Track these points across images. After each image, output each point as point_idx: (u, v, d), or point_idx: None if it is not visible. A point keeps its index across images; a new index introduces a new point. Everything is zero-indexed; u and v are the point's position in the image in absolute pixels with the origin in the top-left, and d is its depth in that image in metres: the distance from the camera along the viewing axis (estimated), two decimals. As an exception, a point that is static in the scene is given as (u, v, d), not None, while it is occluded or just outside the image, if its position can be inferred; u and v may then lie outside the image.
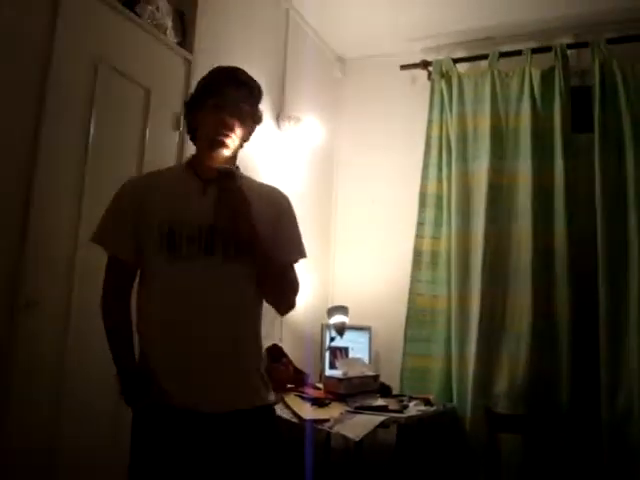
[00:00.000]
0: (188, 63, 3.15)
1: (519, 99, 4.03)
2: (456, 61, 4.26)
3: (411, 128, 4.36)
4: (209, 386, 1.87)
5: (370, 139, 4.55)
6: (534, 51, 4.05)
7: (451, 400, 3.88)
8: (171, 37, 3.09)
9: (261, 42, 3.78)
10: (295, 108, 3.99)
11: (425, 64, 4.33)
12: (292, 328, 3.93)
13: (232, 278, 1.95)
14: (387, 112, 4.51)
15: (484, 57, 4.18)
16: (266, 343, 3.38)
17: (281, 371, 3.26)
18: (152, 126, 2.92)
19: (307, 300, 4.08)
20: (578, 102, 3.95)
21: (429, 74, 4.33)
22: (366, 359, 4.00)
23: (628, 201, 3.68)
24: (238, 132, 2.01)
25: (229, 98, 2.00)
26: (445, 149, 4.15)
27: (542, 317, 3.74)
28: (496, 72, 4.11)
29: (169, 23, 3.07)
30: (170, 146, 3.04)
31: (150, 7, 2.95)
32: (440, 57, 4.31)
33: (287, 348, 3.70)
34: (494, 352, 3.84)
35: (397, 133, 4.45)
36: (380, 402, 3.31)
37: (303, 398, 3.23)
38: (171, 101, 3.04)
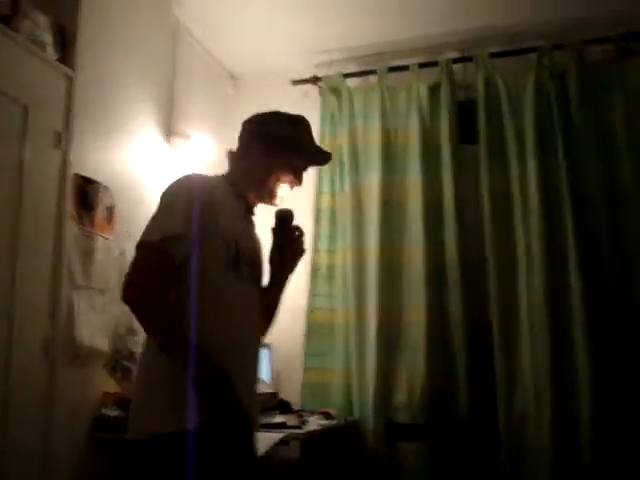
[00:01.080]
0: (69, 79, 3.03)
1: (407, 113, 4.10)
2: (346, 76, 4.30)
3: (305, 142, 4.35)
4: (254, 405, 1.96)
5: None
6: (421, 66, 4.14)
7: (352, 413, 3.88)
8: (51, 53, 2.97)
9: (148, 58, 3.69)
10: (185, 124, 3.92)
11: (316, 79, 4.35)
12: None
13: (259, 308, 2.06)
14: (281, 127, 4.48)
15: (373, 72, 4.24)
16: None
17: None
18: (31, 144, 2.78)
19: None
20: (464, 115, 4.06)
21: (320, 89, 4.36)
22: (267, 376, 3.96)
23: (514, 212, 3.80)
24: None
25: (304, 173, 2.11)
26: (338, 163, 4.17)
27: (437, 329, 3.81)
28: (385, 87, 4.17)
29: (49, 38, 2.95)
30: (51, 164, 2.91)
31: (28, 22, 2.83)
32: (331, 72, 4.33)
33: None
34: (392, 364, 3.87)
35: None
36: (279, 419, 3.27)
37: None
38: (51, 118, 2.91)
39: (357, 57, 4.36)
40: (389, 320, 3.89)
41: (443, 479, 3.64)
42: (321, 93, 4.36)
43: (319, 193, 4.21)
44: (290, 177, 2.06)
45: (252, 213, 2.10)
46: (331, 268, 4.12)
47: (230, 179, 2.07)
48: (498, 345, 3.70)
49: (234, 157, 2.13)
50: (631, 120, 3.77)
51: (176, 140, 3.77)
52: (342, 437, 3.71)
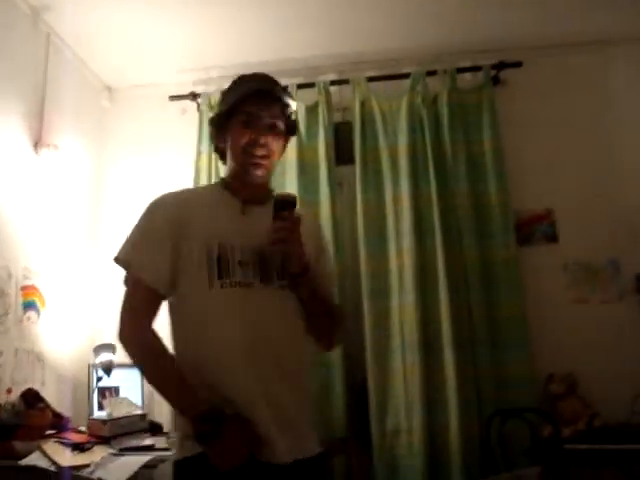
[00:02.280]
0: None
1: (286, 132, 4.12)
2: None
3: (181, 159, 4.30)
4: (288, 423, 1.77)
5: (140, 170, 4.41)
6: (300, 86, 4.18)
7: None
8: None
9: (17, 66, 3.54)
10: (54, 135, 3.77)
11: (194, 95, 4.31)
12: (55, 370, 3.68)
13: (290, 309, 1.82)
14: (158, 142, 4.41)
15: (254, 91, 4.23)
16: (23, 388, 3.19)
17: (37, 417, 3.02)
18: None
19: (71, 339, 3.87)
20: (342, 136, 4.14)
21: (198, 106, 4.32)
22: (138, 398, 3.84)
23: (388, 231, 3.90)
24: (273, 150, 1.87)
25: (260, 114, 1.85)
26: (214, 180, 4.13)
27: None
28: (266, 105, 4.17)
29: None
30: None
31: None
32: (209, 89, 4.30)
33: (51, 391, 3.50)
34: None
35: (168, 164, 4.36)
36: (148, 441, 3.18)
37: (63, 444, 3.01)
38: None
39: (233, 75, 4.31)
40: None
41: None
42: (199, 110, 4.31)
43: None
44: (246, 135, 1.84)
45: (260, 202, 1.86)
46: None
47: (224, 183, 1.94)
48: (371, 361, 3.75)
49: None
50: (498, 142, 3.99)
51: (43, 151, 3.62)
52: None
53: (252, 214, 1.85)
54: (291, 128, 1.96)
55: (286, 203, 1.77)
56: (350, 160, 4.07)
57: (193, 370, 1.71)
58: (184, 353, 1.77)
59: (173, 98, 4.35)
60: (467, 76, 4.20)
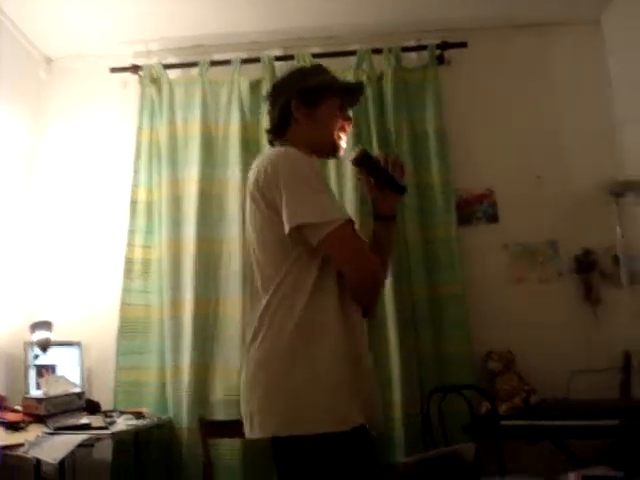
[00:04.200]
0: None
1: (228, 108, 4.08)
2: (167, 67, 4.20)
3: (122, 133, 4.23)
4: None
5: (79, 143, 4.31)
6: (244, 61, 4.13)
7: (167, 412, 3.79)
8: None
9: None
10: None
11: (136, 68, 4.21)
12: (-11, 348, 3.59)
13: None
14: (97, 115, 4.31)
15: (195, 65, 4.17)
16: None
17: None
18: None
19: (7, 316, 3.78)
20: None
21: (140, 79, 4.22)
22: (76, 376, 3.78)
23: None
24: None
25: (351, 108, 2.05)
26: (155, 156, 4.07)
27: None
28: (206, 80, 4.12)
29: None
30: None
31: None
32: (151, 62, 4.22)
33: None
34: (208, 360, 3.82)
35: (108, 137, 4.27)
36: (84, 420, 3.13)
37: (-2, 423, 2.95)
38: None
39: (179, 48, 4.29)
40: (205, 316, 3.85)
41: (258, 475, 3.64)
42: (141, 83, 4.22)
43: (135, 186, 4.06)
44: (340, 120, 1.98)
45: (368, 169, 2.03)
46: (147, 263, 3.99)
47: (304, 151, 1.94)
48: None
49: (279, 135, 2.01)
50: (441, 121, 4.03)
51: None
52: (156, 436, 3.65)
53: None
54: None
55: (365, 155, 1.95)
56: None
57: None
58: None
59: (114, 70, 4.24)
60: (412, 55, 4.21)
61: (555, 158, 4.17)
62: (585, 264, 4.01)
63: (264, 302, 1.77)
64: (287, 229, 1.72)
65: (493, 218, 4.12)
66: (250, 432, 1.75)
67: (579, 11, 4.23)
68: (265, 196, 1.79)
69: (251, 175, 1.88)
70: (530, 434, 3.36)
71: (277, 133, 2.01)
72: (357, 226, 1.91)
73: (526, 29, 4.28)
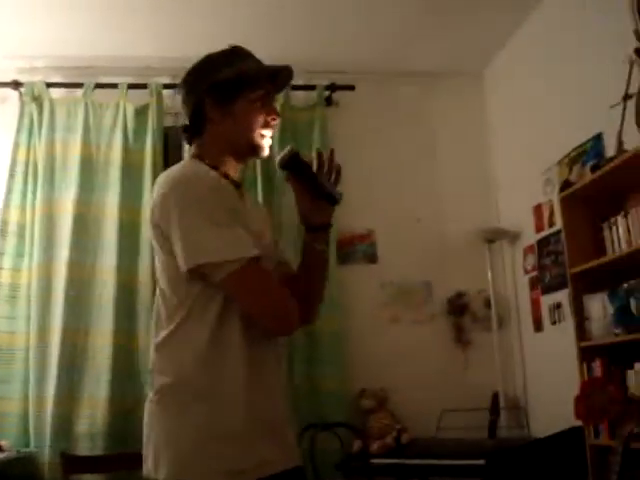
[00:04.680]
0: None
1: (112, 132, 4.00)
2: (51, 86, 4.07)
3: (-1, 150, 4.04)
4: None
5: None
6: (130, 86, 4.07)
7: (29, 445, 3.59)
8: None
9: None
10: None
11: (17, 84, 4.05)
12: None
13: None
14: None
15: (80, 85, 4.06)
16: None
17: None
18: None
19: None
20: (171, 141, 4.06)
21: (20, 95, 4.06)
22: None
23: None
24: None
25: (275, 96, 1.76)
26: (31, 176, 3.91)
27: (123, 352, 3.71)
28: (90, 102, 4.02)
29: None
30: None
31: None
32: (33, 79, 4.07)
33: None
34: (75, 391, 3.67)
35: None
36: None
37: None
38: None
39: (65, 68, 4.16)
40: (74, 344, 3.70)
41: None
42: (20, 100, 4.06)
43: (6, 206, 3.88)
44: (262, 115, 1.69)
45: (239, 186, 1.72)
46: (15, 288, 3.79)
47: (207, 161, 1.66)
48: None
49: (192, 133, 1.73)
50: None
51: None
52: (15, 471, 3.42)
53: (244, 198, 1.72)
54: None
55: (294, 156, 1.69)
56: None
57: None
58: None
59: (-7, 84, 4.07)
60: (301, 94, 4.26)
61: (434, 203, 4.31)
62: (457, 306, 4.15)
63: (164, 334, 1.59)
64: (183, 270, 1.52)
65: (372, 258, 4.19)
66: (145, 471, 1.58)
67: (463, 64, 4.44)
68: (161, 228, 1.57)
69: (152, 202, 1.65)
70: (400, 472, 3.40)
71: (193, 133, 1.73)
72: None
73: (412, 77, 4.44)
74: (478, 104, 4.55)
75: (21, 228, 3.86)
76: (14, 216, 3.87)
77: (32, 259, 3.79)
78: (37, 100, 4.02)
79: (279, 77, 1.76)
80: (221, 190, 1.58)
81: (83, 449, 3.58)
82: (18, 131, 3.98)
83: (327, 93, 4.28)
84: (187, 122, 1.74)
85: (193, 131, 1.72)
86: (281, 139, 4.03)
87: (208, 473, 1.48)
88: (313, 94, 4.27)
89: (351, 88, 4.27)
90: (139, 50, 4.09)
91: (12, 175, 3.91)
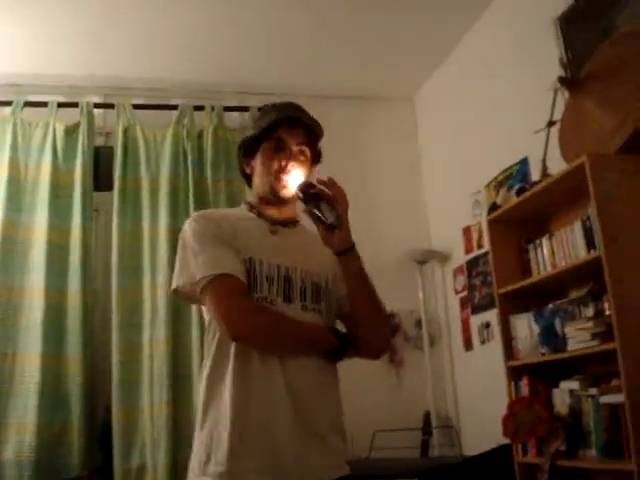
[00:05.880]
0: None
1: (41, 151, 3.91)
2: (-22, 103, 3.97)
3: None
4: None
5: None
6: (60, 105, 4.00)
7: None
8: None
9: None
10: None
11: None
12: None
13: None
14: None
15: (8, 104, 3.96)
16: None
17: None
18: None
19: None
20: (102, 161, 4.00)
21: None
22: None
23: (143, 262, 3.83)
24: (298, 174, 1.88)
25: (289, 141, 1.87)
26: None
27: (52, 377, 3.60)
28: (19, 121, 3.93)
29: None
30: None
31: None
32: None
33: None
34: (1, 416, 3.53)
35: None
36: None
37: None
38: None
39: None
40: (1, 369, 3.57)
41: None
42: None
43: None
44: (276, 161, 1.87)
45: (286, 225, 1.91)
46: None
47: (248, 204, 1.96)
48: (117, 396, 3.64)
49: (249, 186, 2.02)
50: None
51: None
52: None
53: (281, 234, 1.89)
54: (317, 156, 2.00)
55: (306, 186, 1.82)
56: (109, 187, 3.93)
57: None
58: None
59: None
60: (234, 115, 4.26)
61: (367, 225, 4.27)
62: (390, 327, 4.18)
63: None
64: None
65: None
66: None
67: (394, 89, 4.54)
68: None
69: None
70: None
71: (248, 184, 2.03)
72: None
73: (346, 100, 4.49)
74: (410, 128, 4.65)
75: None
76: None
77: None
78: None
79: (285, 120, 1.90)
80: (227, 222, 1.82)
81: (9, 478, 3.45)
82: None
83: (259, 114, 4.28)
84: None
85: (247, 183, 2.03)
86: (214, 160, 4.03)
87: None
88: (246, 115, 4.27)
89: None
90: (70, 68, 4.04)
91: None
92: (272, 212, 1.91)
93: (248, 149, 1.95)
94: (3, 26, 3.63)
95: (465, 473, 3.27)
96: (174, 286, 1.80)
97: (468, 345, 3.94)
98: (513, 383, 3.00)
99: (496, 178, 3.61)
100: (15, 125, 3.91)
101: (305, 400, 1.73)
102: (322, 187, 1.80)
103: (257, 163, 1.92)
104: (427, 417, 4.06)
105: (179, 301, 1.78)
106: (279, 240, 1.88)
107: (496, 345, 3.36)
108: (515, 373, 3.01)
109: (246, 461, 1.64)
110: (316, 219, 1.79)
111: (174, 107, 4.12)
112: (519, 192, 3.02)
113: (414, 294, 4.22)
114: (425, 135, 4.60)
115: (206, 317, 1.83)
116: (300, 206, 1.84)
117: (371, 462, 3.69)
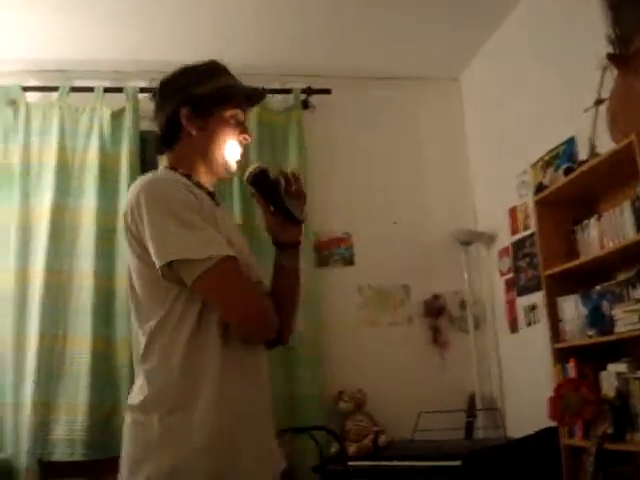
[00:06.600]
0: None
1: (88, 136, 3.97)
2: (27, 89, 4.03)
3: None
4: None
5: None
6: (106, 90, 4.05)
7: (4, 451, 3.54)
8: None
9: None
10: None
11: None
12: None
13: None
14: None
15: (55, 89, 4.03)
16: None
17: None
18: None
19: None
20: (148, 145, 4.04)
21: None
22: None
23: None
24: None
25: (246, 116, 1.79)
26: (6, 181, 3.86)
27: (102, 358, 3.68)
28: (66, 106, 3.99)
29: None
30: None
31: None
32: (9, 83, 4.03)
33: None
34: (52, 397, 3.62)
35: None
36: None
37: None
38: None
39: (36, 71, 4.11)
40: (51, 350, 3.66)
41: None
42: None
43: (-20, 209, 3.84)
44: (235, 134, 1.73)
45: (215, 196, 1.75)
46: (-10, 294, 3.76)
47: (181, 170, 1.69)
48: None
49: (168, 145, 1.75)
50: (304, 164, 4.12)
51: None
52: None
53: (222, 209, 1.76)
54: None
55: (263, 173, 1.70)
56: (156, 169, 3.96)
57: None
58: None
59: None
60: (277, 98, 4.27)
61: (411, 206, 4.34)
62: (434, 309, 4.18)
63: (142, 345, 1.58)
64: (158, 267, 1.51)
65: (349, 261, 4.21)
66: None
67: (439, 70, 4.49)
68: (133, 232, 1.58)
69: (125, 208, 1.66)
70: (377, 475, 3.41)
71: (165, 143, 1.76)
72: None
73: (388, 81, 4.46)
74: (455, 109, 4.59)
75: (-4, 232, 3.83)
76: (-10, 220, 3.83)
77: (7, 264, 3.75)
78: (12, 104, 3.97)
79: (253, 98, 1.84)
80: (192, 194, 1.59)
81: (61, 455, 3.55)
82: (-7, 135, 3.94)
83: (303, 97, 4.29)
84: (159, 131, 1.76)
85: (166, 141, 1.75)
86: (259, 142, 4.04)
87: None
88: (289, 97, 4.28)
89: (327, 92, 4.29)
90: (115, 54, 4.07)
91: (-9, 182, 3.87)
92: (208, 184, 1.75)
93: (203, 106, 1.70)
94: (49, 13, 3.66)
95: (510, 455, 3.26)
96: (172, 258, 1.50)
97: (514, 327, 3.91)
98: (560, 365, 2.97)
99: (543, 158, 3.56)
100: (62, 110, 3.97)
101: (269, 391, 1.72)
102: (282, 179, 1.69)
103: (211, 125, 1.71)
104: (472, 399, 4.04)
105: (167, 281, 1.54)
106: (225, 215, 1.76)
107: (542, 327, 3.33)
108: (562, 355, 2.98)
109: (237, 458, 1.54)
110: (276, 208, 1.70)
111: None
112: (567, 172, 2.98)
113: (459, 275, 4.20)
114: (471, 115, 4.54)
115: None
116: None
117: (415, 443, 3.70)
